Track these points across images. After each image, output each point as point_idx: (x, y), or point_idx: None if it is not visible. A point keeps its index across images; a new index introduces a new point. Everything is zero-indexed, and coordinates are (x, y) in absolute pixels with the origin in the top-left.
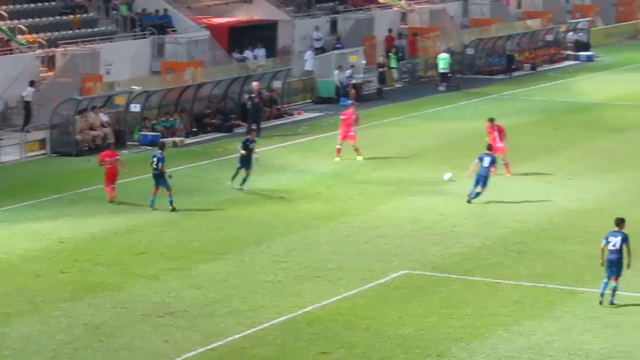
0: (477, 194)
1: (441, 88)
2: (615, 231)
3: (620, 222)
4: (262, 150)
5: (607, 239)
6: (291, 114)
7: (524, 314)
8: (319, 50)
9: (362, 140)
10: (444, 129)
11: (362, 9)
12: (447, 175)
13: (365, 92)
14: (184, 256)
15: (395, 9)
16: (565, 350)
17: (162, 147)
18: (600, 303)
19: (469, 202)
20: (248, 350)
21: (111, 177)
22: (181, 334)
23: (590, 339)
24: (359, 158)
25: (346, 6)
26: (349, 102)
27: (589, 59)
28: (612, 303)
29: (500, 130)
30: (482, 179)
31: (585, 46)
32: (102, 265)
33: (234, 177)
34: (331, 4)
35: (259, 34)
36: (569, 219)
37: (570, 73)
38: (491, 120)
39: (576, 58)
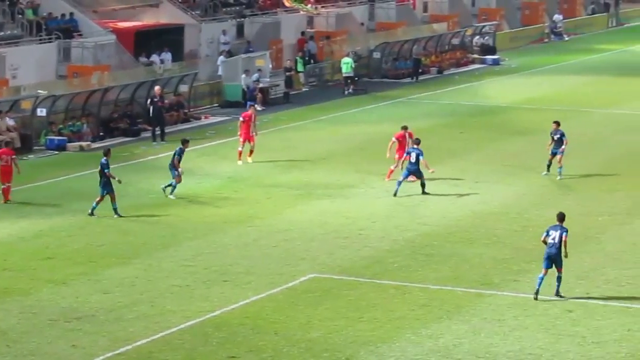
0: (399, 183)
1: (347, 92)
2: (555, 225)
3: (562, 217)
4: (169, 155)
5: (547, 232)
6: (198, 118)
7: (432, 317)
8: (227, 55)
9: (270, 144)
10: (351, 132)
11: (268, 13)
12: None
13: (273, 96)
14: (91, 261)
15: (302, 12)
16: (473, 352)
17: (106, 153)
18: (535, 299)
19: (394, 195)
20: (156, 355)
21: (6, 175)
22: (89, 339)
23: (498, 342)
24: (242, 162)
25: (253, 10)
26: (249, 104)
27: (495, 62)
28: (558, 294)
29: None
30: (415, 172)
31: (491, 50)
32: (9, 270)
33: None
34: (238, 8)
35: (166, 38)
36: (475, 222)
37: (476, 76)
38: (404, 128)
39: (482, 62)
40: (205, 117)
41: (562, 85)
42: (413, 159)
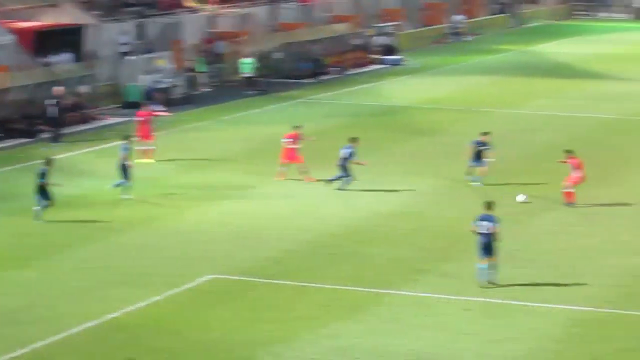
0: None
1: (248, 92)
2: (485, 215)
3: (490, 205)
4: (68, 155)
5: (478, 221)
6: (98, 119)
7: (330, 317)
8: (126, 55)
9: (171, 145)
10: (252, 133)
11: (169, 14)
12: (520, 197)
13: (174, 97)
14: None
15: (203, 13)
16: (371, 352)
17: (48, 163)
18: (483, 286)
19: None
20: (54, 357)
21: None
22: None
23: (396, 341)
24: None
25: (154, 10)
26: (150, 106)
27: (396, 62)
28: (493, 282)
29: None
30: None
31: (392, 50)
32: None
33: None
34: (138, 8)
35: (66, 39)
36: (376, 222)
37: (377, 77)
38: (297, 127)
39: (383, 62)
40: (105, 118)
41: (463, 86)
42: (345, 156)
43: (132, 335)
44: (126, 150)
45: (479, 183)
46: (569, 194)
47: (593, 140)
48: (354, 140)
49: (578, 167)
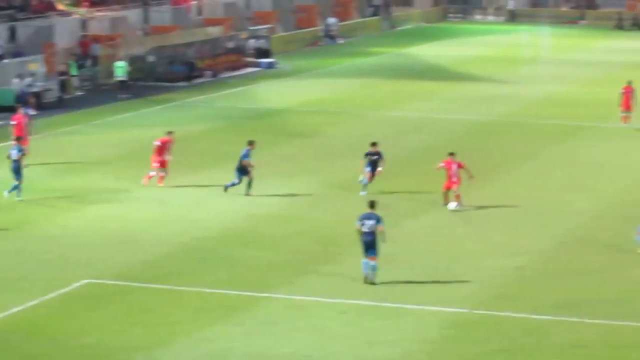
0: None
1: (121, 96)
2: (368, 213)
3: (372, 204)
4: None
5: (361, 220)
6: None
7: (206, 321)
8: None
9: (44, 148)
10: (125, 136)
11: (41, 17)
12: (452, 205)
13: (46, 101)
14: None
15: (76, 16)
16: (247, 355)
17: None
18: (366, 282)
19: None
20: None
21: None
22: None
23: (272, 344)
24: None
25: (25, 13)
26: (23, 109)
27: (270, 65)
28: (372, 283)
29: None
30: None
31: (266, 53)
32: None
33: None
34: (10, 11)
35: None
36: (251, 225)
37: (251, 80)
38: (170, 132)
39: (257, 65)
40: None
41: (338, 88)
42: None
43: (5, 341)
44: (20, 152)
45: (365, 193)
46: (457, 197)
47: (467, 142)
48: (251, 143)
49: (460, 168)
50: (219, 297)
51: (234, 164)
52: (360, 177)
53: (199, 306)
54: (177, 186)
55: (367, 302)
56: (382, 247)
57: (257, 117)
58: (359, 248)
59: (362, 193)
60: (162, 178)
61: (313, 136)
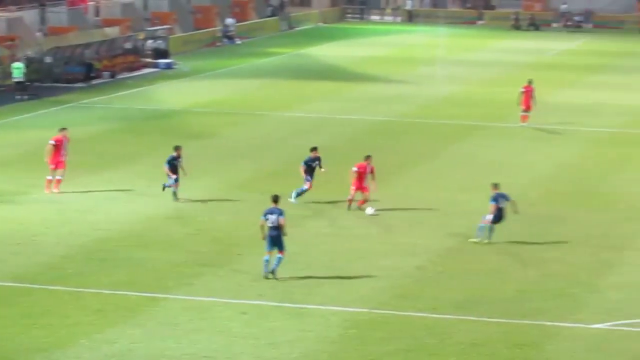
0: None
1: (19, 97)
2: (272, 208)
3: (276, 199)
4: None
5: (265, 216)
6: None
7: (106, 322)
8: None
9: None
10: (23, 138)
11: None
12: (370, 210)
13: None
14: None
15: None
16: (148, 356)
17: None
18: (266, 277)
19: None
20: None
21: None
22: None
23: (173, 345)
24: None
25: None
26: None
27: (168, 66)
28: (274, 272)
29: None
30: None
31: (164, 54)
32: None
33: None
34: None
35: None
36: (150, 226)
37: (149, 80)
38: (62, 130)
39: (155, 65)
40: None
41: (236, 89)
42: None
43: None
44: None
45: (294, 200)
46: (363, 202)
47: (367, 142)
48: (177, 148)
49: (371, 173)
50: (118, 298)
51: (132, 165)
52: (294, 193)
53: (98, 307)
54: (76, 187)
55: (267, 303)
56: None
57: (155, 118)
58: (258, 248)
59: (293, 200)
60: (58, 182)
61: (211, 137)
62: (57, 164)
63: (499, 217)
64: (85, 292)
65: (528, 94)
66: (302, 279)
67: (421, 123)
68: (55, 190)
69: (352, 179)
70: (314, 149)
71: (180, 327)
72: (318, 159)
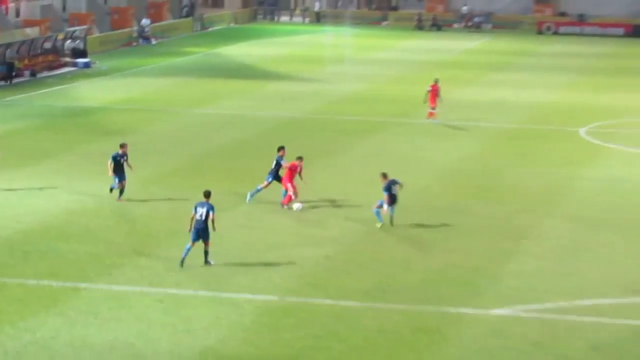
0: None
1: None
2: (202, 202)
3: (207, 194)
4: None
5: (195, 209)
6: None
7: (29, 311)
8: None
9: None
10: None
11: None
12: (297, 205)
13: None
14: None
15: None
16: (70, 343)
17: None
18: (181, 265)
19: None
20: None
21: None
22: None
23: (94, 333)
24: None
25: None
26: None
27: (87, 65)
28: (208, 263)
29: None
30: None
31: (82, 53)
32: None
33: None
34: None
35: None
36: (71, 219)
37: (69, 79)
38: None
39: (74, 65)
40: None
41: (152, 87)
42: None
43: None
44: None
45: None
46: (288, 199)
47: (276, 138)
48: (122, 146)
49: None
50: (41, 288)
51: (54, 160)
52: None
53: (21, 297)
54: None
55: (184, 291)
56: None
57: (74, 115)
58: (174, 240)
59: (248, 200)
60: None
61: (129, 133)
62: None
63: (393, 199)
64: (9, 282)
65: (434, 92)
66: (217, 268)
67: (330, 119)
68: None
69: (286, 176)
70: (281, 149)
71: (101, 315)
72: (281, 157)
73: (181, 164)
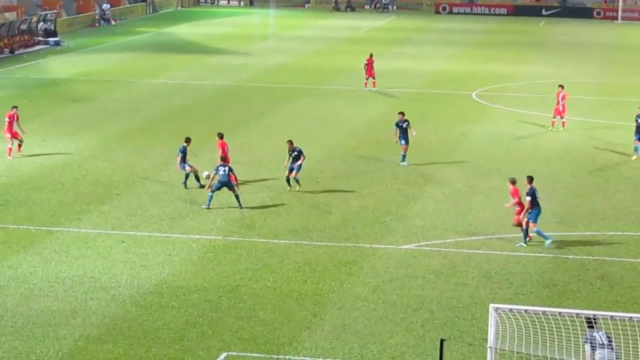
0: None
1: None
2: (222, 164)
3: (223, 159)
4: None
5: (217, 169)
6: None
7: (11, 251)
8: None
9: None
10: None
11: None
12: (206, 173)
13: None
14: None
15: None
16: (45, 278)
17: None
18: (208, 208)
19: None
20: None
21: None
22: None
23: (65, 269)
24: None
25: None
26: None
27: (57, 43)
28: (240, 206)
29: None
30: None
31: (53, 33)
32: None
33: None
34: None
35: None
36: (44, 173)
37: (42, 55)
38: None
39: (46, 43)
40: None
41: (112, 61)
42: None
43: None
44: None
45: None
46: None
47: (216, 104)
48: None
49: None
50: (20, 232)
51: (28, 124)
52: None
53: (4, 239)
54: None
55: (141, 233)
56: (153, 187)
57: (46, 85)
58: (132, 189)
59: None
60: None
61: (92, 100)
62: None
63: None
64: None
65: (370, 64)
66: (168, 213)
67: (261, 87)
68: None
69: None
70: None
71: (71, 254)
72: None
73: (136, 126)
